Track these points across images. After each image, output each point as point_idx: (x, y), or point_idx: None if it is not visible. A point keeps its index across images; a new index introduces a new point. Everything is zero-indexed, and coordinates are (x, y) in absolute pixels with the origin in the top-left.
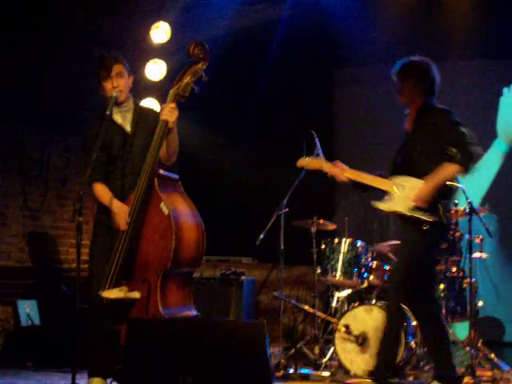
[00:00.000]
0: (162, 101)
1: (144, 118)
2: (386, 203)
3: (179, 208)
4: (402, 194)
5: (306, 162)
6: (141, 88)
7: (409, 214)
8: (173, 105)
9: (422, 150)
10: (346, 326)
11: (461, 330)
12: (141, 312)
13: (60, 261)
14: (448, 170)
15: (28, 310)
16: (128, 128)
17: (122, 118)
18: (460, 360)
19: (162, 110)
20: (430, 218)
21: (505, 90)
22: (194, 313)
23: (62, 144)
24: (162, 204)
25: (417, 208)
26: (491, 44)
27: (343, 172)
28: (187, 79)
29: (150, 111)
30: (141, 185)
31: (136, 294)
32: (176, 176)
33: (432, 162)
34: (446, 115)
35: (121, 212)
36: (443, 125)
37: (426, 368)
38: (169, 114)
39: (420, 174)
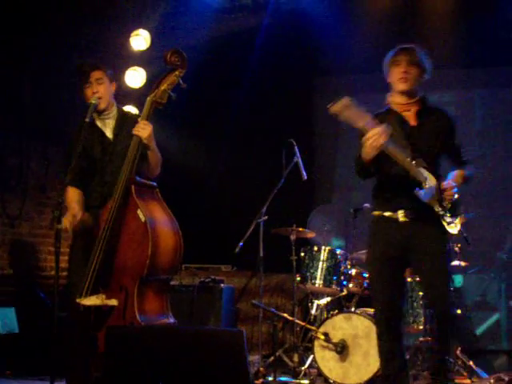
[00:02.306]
0: (141, 108)
1: (127, 126)
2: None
3: (156, 215)
4: (428, 189)
5: (339, 107)
6: (120, 95)
7: (438, 210)
8: (145, 120)
9: (431, 147)
10: (325, 334)
11: None
12: (118, 319)
13: (39, 268)
14: (463, 174)
15: (6, 318)
16: (109, 135)
17: (104, 125)
18: None
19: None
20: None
21: None
22: (171, 320)
23: (41, 151)
24: (138, 211)
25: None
26: (472, 52)
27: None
28: (164, 86)
29: (135, 118)
30: (117, 193)
31: (113, 302)
32: (154, 183)
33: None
34: (451, 117)
35: (70, 215)
36: (451, 126)
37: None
38: (140, 129)
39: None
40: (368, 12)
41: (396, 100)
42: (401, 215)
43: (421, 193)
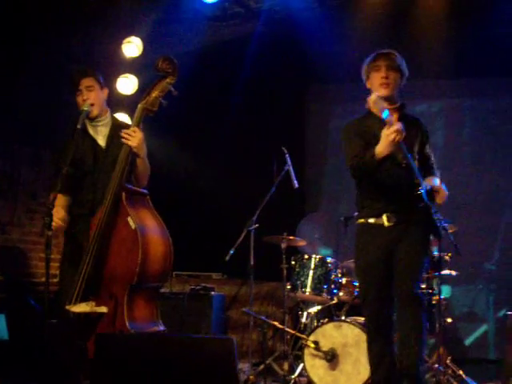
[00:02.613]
0: (133, 116)
1: (120, 134)
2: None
3: (147, 222)
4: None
5: (372, 100)
6: (112, 102)
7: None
8: (134, 128)
9: (414, 153)
10: (316, 343)
11: (428, 347)
12: (108, 327)
13: (29, 275)
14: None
15: None
16: (102, 143)
17: (96, 133)
18: (428, 377)
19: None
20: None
21: None
22: (161, 328)
23: (33, 157)
24: (128, 218)
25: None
26: (461, 63)
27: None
28: (155, 94)
29: (128, 127)
30: (107, 200)
31: (103, 309)
32: (144, 191)
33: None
34: (425, 126)
35: (55, 213)
36: (427, 135)
37: None
38: (130, 138)
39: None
40: (361, 20)
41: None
42: (385, 220)
43: (423, 193)
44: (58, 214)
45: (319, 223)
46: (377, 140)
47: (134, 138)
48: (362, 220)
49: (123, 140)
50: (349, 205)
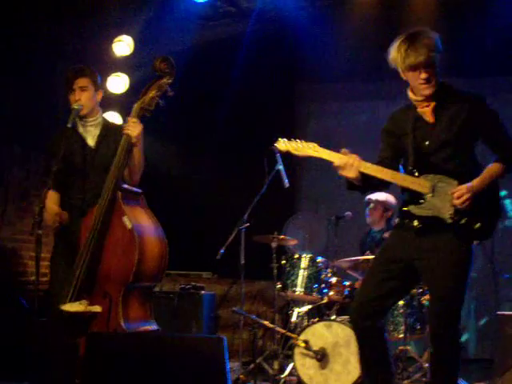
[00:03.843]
0: (124, 114)
1: (111, 135)
2: (422, 208)
3: (142, 222)
4: (439, 198)
5: (291, 146)
6: (102, 101)
7: (450, 220)
8: (135, 119)
9: (452, 141)
10: (306, 342)
11: (420, 347)
12: (102, 326)
13: (19, 273)
14: (497, 169)
15: None
16: (91, 143)
17: (86, 132)
18: (418, 376)
19: (125, 124)
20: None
21: None
22: (154, 327)
23: (23, 157)
24: (124, 218)
25: (459, 213)
26: (453, 63)
27: (359, 165)
28: (152, 93)
29: (119, 128)
30: (104, 198)
31: (97, 308)
32: (139, 190)
33: (465, 160)
34: (476, 100)
35: (50, 211)
36: (477, 110)
37: None
38: (131, 128)
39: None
40: (352, 20)
41: (413, 97)
42: (416, 222)
43: (425, 205)
44: (52, 211)
45: (304, 224)
46: (407, 138)
47: (135, 128)
48: (398, 220)
49: (124, 130)
50: (332, 205)
